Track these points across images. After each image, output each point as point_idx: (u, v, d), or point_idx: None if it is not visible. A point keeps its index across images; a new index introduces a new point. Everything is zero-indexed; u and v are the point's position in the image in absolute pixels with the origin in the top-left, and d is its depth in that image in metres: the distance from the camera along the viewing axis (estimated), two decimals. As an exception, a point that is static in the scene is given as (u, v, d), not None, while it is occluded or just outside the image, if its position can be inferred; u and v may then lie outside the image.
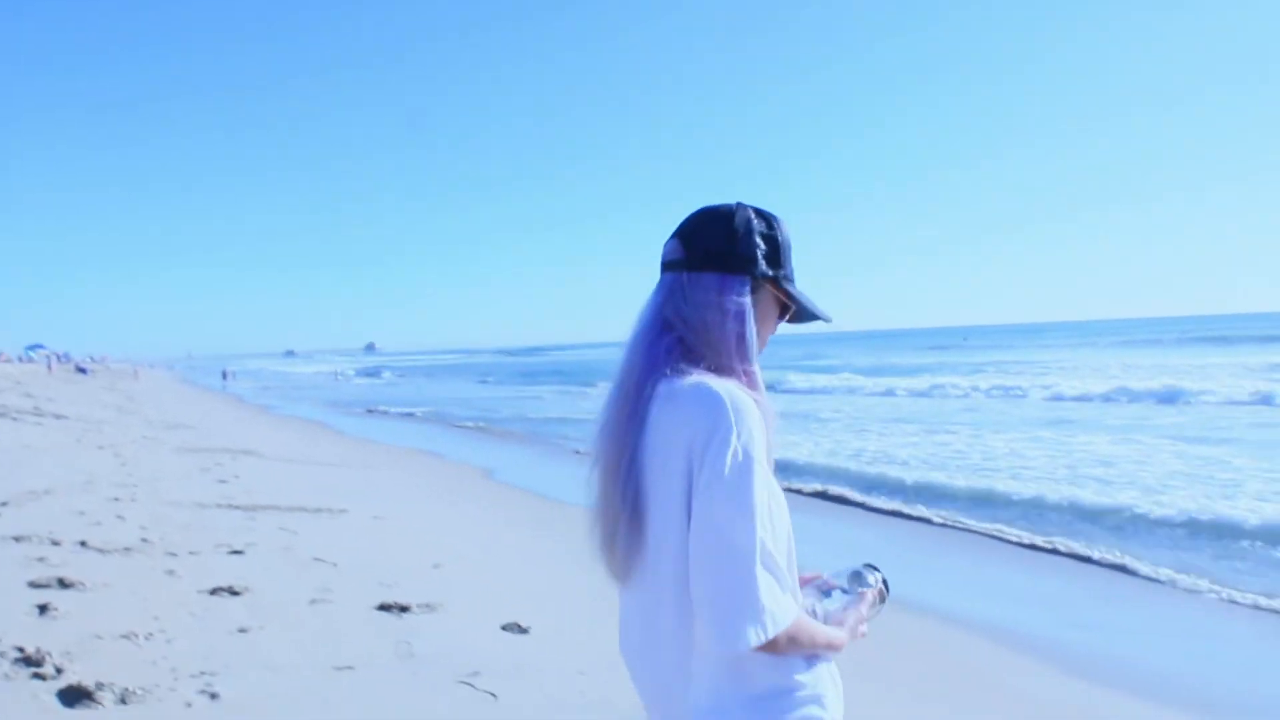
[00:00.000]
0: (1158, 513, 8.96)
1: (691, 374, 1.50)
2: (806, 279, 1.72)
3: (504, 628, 5.30)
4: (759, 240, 1.59)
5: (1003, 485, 10.96)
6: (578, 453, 16.12)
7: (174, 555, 6.67)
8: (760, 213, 1.62)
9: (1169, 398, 21.82)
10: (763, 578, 1.39)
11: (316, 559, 6.80)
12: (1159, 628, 6.11)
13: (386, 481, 12.21)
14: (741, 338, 1.55)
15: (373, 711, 4.05)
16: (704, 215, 1.62)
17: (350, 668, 4.52)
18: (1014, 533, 8.72)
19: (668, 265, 1.62)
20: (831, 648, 1.54)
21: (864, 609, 1.67)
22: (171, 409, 26.51)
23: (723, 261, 1.56)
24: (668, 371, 1.51)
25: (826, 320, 1.72)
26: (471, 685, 4.38)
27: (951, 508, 9.93)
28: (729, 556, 1.38)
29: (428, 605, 5.63)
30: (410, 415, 26.79)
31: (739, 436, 1.41)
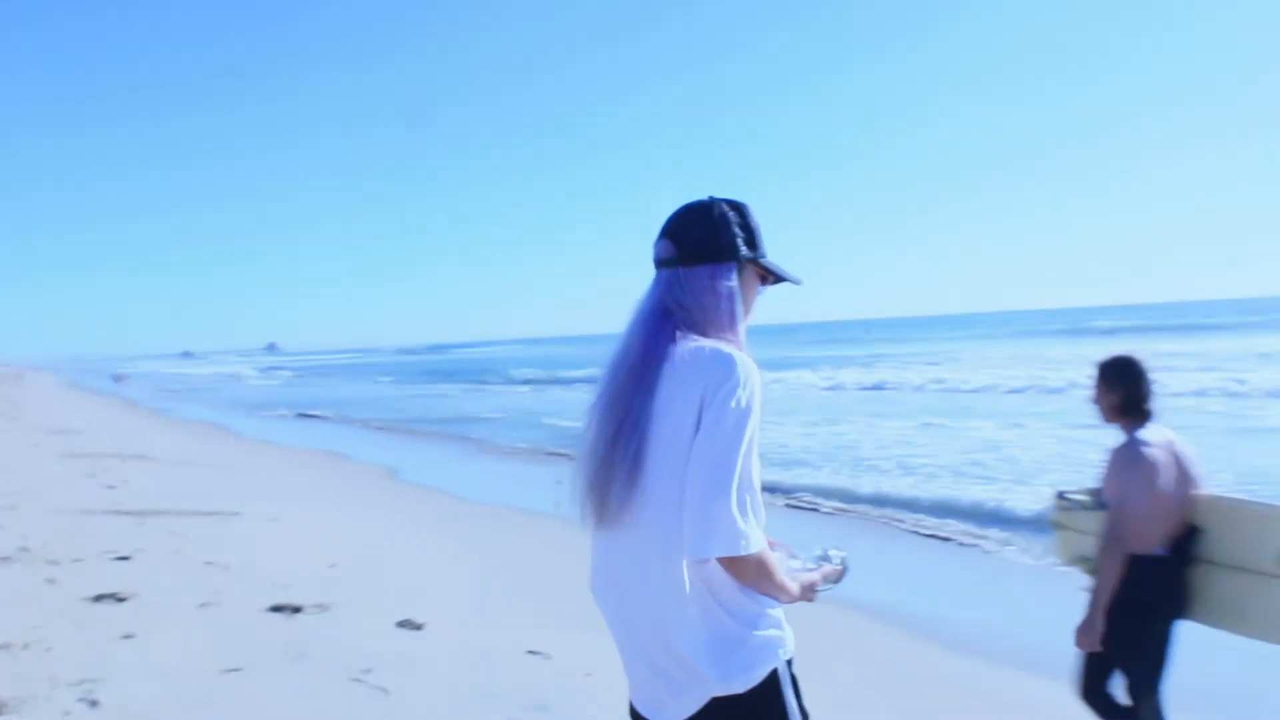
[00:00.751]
0: (1031, 496, 9.44)
1: (702, 340, 1.74)
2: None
3: (399, 625, 5.33)
4: (736, 229, 1.83)
5: (891, 472, 11.38)
6: (485, 450, 16.09)
7: (55, 564, 6.48)
8: (732, 203, 1.86)
9: (1051, 388, 22.74)
10: (740, 505, 1.62)
11: (208, 563, 6.69)
12: (1033, 605, 6.48)
13: (285, 483, 12.00)
14: (733, 314, 1.81)
15: (259, 712, 4.05)
16: (686, 214, 1.85)
17: (238, 669, 4.50)
18: (899, 517, 9.09)
19: (662, 262, 1.84)
20: (783, 591, 1.76)
21: (818, 577, 1.91)
22: (58, 414, 25.39)
23: (711, 254, 1.81)
24: (676, 339, 1.74)
25: (797, 283, 1.96)
26: (363, 682, 4.41)
27: (842, 497, 10.28)
28: (717, 480, 1.61)
29: (321, 605, 5.61)
30: (312, 416, 26.24)
31: (744, 389, 1.67)
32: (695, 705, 1.69)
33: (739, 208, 1.86)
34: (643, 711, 1.79)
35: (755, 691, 1.69)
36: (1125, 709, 3.30)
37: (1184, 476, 3.21)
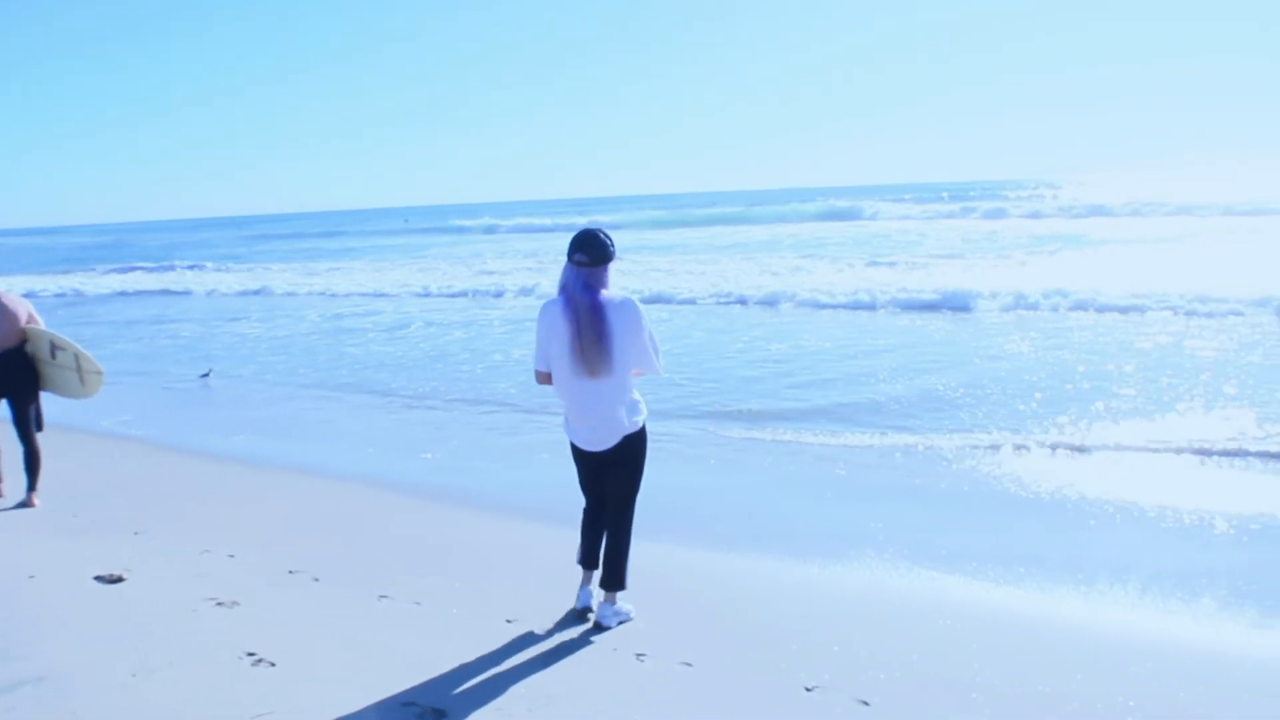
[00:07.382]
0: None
1: (617, 295, 3.93)
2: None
3: None
4: (610, 246, 3.96)
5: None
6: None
7: None
8: (604, 232, 3.97)
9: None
10: (658, 358, 4.04)
11: None
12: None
13: None
14: (608, 285, 3.94)
15: None
16: (591, 238, 3.92)
17: None
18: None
19: (581, 263, 3.88)
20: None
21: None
22: None
23: (603, 260, 3.93)
24: (604, 295, 3.88)
25: (618, 259, 4.06)
26: None
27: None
28: (652, 352, 4.00)
29: None
30: None
31: (644, 314, 3.96)
32: (619, 439, 4.02)
33: (607, 233, 3.98)
34: (589, 449, 4.05)
35: (639, 431, 4.08)
36: (31, 437, 6.11)
37: (9, 316, 5.92)
